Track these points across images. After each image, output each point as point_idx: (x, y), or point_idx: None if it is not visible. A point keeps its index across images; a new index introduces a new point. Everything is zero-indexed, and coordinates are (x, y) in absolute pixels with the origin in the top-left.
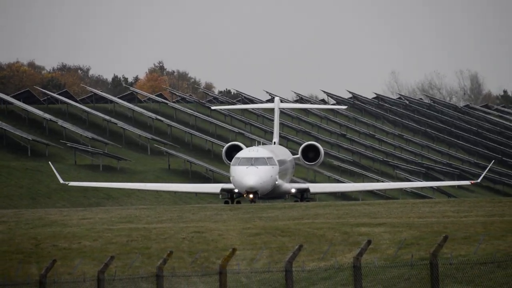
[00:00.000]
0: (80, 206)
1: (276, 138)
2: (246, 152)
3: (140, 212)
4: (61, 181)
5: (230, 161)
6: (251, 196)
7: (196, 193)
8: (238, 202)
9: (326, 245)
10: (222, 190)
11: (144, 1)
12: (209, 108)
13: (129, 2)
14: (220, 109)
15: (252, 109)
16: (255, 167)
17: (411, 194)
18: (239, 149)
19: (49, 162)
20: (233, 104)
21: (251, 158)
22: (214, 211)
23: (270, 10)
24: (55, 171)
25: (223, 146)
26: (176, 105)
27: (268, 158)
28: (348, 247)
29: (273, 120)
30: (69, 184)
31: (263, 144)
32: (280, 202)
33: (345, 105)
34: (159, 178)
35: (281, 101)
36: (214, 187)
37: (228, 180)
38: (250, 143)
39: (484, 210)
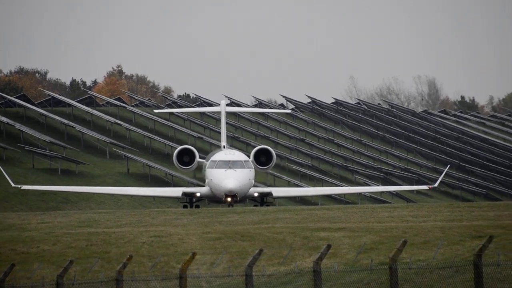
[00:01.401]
0: (38, 210)
1: (224, 142)
2: (222, 155)
3: (99, 216)
4: (13, 184)
5: (182, 165)
6: (229, 199)
7: (154, 197)
8: (197, 206)
9: (286, 250)
10: (184, 194)
11: (102, 5)
12: (168, 112)
13: (87, 5)
14: (162, 112)
15: (210, 113)
16: (233, 170)
17: (370, 199)
18: (190, 153)
19: None
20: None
21: (229, 161)
22: (173, 215)
23: (229, 13)
24: (5, 174)
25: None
26: (135, 109)
27: (245, 161)
28: (308, 251)
29: (234, 125)
30: (21, 188)
31: (230, 147)
32: (239, 207)
33: (304, 109)
34: (118, 182)
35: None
36: (176, 191)
37: (187, 184)
38: (210, 147)
39: (443, 215)
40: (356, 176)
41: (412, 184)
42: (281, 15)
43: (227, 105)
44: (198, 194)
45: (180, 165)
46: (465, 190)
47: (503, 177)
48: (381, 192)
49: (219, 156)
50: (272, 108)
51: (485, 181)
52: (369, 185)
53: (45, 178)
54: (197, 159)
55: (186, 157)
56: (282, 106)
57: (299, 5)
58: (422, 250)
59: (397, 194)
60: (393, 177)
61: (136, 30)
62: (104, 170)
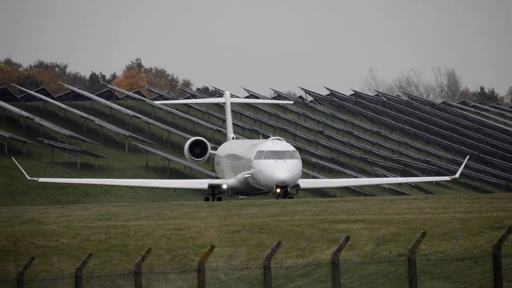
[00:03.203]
0: (57, 203)
1: (231, 133)
2: (270, 145)
3: (118, 209)
4: (28, 177)
5: (194, 156)
6: (278, 190)
7: (175, 190)
8: (219, 199)
9: (304, 242)
10: (210, 186)
11: None
12: (187, 105)
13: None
14: (162, 104)
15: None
16: (284, 160)
17: (389, 191)
18: (203, 144)
19: (12, 158)
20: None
21: (278, 152)
22: (192, 208)
23: (249, 8)
24: (20, 167)
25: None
26: (154, 102)
27: (293, 151)
28: (327, 243)
29: (253, 118)
30: (38, 180)
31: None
32: (259, 199)
33: (323, 102)
34: (137, 175)
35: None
36: (201, 183)
37: (206, 177)
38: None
39: (462, 206)
40: (375, 168)
41: (431, 176)
42: (300, 8)
43: (245, 97)
44: (224, 186)
45: (192, 157)
46: (485, 182)
47: None
48: (400, 184)
49: (266, 146)
50: (290, 100)
51: (504, 172)
52: (388, 177)
53: (65, 172)
54: (209, 151)
55: (197, 149)
56: (301, 98)
57: None
58: (441, 241)
59: (416, 186)
60: (412, 169)
61: (155, 23)
62: (123, 163)
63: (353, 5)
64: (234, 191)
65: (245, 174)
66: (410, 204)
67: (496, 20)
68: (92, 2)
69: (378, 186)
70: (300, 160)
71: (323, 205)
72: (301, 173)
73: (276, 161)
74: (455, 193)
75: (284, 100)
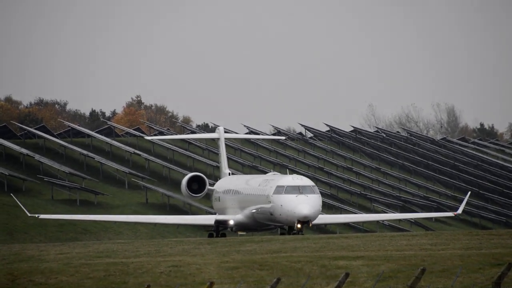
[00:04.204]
0: (57, 241)
1: (226, 169)
2: (289, 180)
3: (118, 246)
4: (28, 214)
5: (192, 192)
6: (299, 225)
7: (178, 226)
8: (223, 235)
9: (304, 279)
10: (216, 221)
11: (121, 35)
12: (187, 141)
13: (106, 36)
14: (155, 139)
15: (228, 142)
16: (305, 195)
17: (388, 228)
18: (200, 180)
19: (11, 194)
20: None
21: (298, 186)
22: (192, 245)
23: (248, 44)
24: (20, 204)
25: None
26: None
27: (313, 186)
28: (326, 280)
29: (252, 154)
30: (39, 217)
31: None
32: (259, 235)
33: (323, 138)
34: (137, 212)
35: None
36: (208, 219)
37: (204, 213)
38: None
39: (462, 243)
40: (375, 205)
41: (431, 212)
42: (300, 44)
43: (246, 133)
44: (231, 222)
45: (190, 193)
46: (484, 218)
47: None
48: (399, 220)
49: (286, 181)
50: (290, 137)
51: (504, 209)
52: (389, 213)
53: (64, 209)
54: (208, 186)
55: (195, 185)
56: (300, 134)
57: (319, 34)
58: (441, 278)
59: (415, 222)
60: (412, 205)
61: (155, 60)
62: (123, 200)
63: (352, 41)
64: (240, 227)
65: (252, 209)
66: (409, 240)
67: (495, 57)
68: (93, 40)
69: (377, 222)
70: (320, 195)
71: (322, 241)
72: (321, 208)
73: (298, 196)
74: (454, 230)
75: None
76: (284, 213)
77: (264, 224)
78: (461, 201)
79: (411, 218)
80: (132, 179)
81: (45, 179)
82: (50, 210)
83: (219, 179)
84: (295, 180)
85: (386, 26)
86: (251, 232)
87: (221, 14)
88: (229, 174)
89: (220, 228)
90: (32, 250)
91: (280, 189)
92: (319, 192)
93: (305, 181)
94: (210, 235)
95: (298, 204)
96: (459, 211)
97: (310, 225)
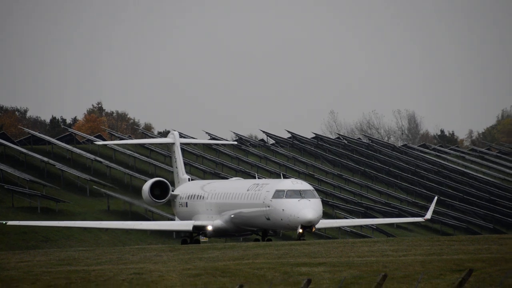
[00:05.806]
0: (18, 249)
1: (184, 174)
2: (289, 184)
3: (79, 254)
4: None
5: (155, 198)
6: (301, 230)
7: (150, 232)
8: (197, 241)
9: (266, 285)
10: (194, 227)
11: (82, 41)
12: (148, 148)
13: (67, 42)
14: (109, 144)
15: (190, 149)
16: (307, 199)
17: (350, 234)
18: (163, 185)
19: None
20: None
21: (300, 191)
22: (153, 252)
23: (208, 50)
24: None
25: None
26: (115, 146)
27: (313, 190)
28: (289, 287)
29: (214, 161)
30: (7, 224)
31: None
32: (221, 243)
33: (285, 145)
34: (99, 219)
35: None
36: (186, 225)
37: (167, 220)
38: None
39: (423, 249)
40: (337, 211)
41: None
42: (261, 52)
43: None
44: (209, 228)
45: (153, 198)
46: (445, 224)
47: (483, 211)
48: (361, 227)
49: (285, 185)
50: (252, 143)
51: (465, 215)
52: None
53: (25, 217)
54: (171, 192)
55: (157, 190)
56: (262, 141)
57: (280, 41)
58: (402, 284)
59: (377, 229)
60: (374, 212)
61: (116, 66)
62: (84, 208)
63: (313, 48)
64: (218, 232)
65: (231, 214)
66: (371, 247)
67: (456, 64)
68: (53, 46)
69: (339, 228)
70: (320, 199)
71: (285, 248)
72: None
73: (300, 200)
74: (416, 236)
75: (246, 143)
76: (286, 217)
77: (243, 229)
78: (422, 207)
79: (373, 224)
80: (94, 186)
81: (5, 186)
82: (11, 217)
83: (176, 184)
84: (295, 184)
85: (348, 33)
86: (229, 238)
87: (177, 21)
88: (189, 179)
89: (194, 235)
90: None
91: (279, 193)
92: (319, 196)
93: (305, 185)
94: (184, 241)
95: (302, 208)
96: (428, 216)
97: (314, 229)
